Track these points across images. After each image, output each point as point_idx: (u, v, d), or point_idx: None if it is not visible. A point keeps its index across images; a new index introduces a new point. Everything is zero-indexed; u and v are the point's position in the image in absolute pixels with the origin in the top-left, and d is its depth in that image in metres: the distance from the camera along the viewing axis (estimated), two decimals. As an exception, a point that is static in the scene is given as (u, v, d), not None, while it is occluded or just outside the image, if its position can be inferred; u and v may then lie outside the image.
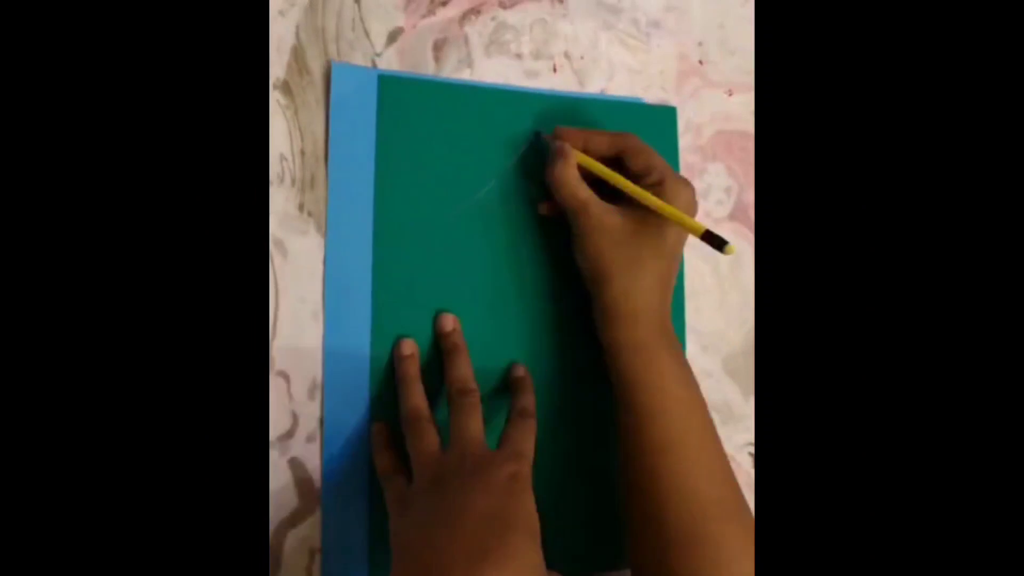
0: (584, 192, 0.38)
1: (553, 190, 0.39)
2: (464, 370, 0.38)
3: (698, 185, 0.47)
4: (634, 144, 0.39)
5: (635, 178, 0.38)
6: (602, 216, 0.37)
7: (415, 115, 0.41)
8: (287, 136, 0.39)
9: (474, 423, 0.35)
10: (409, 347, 0.39)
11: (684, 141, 0.47)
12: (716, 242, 0.34)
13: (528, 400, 0.39)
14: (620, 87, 0.46)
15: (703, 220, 0.47)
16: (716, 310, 0.47)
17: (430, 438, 0.35)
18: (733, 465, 0.46)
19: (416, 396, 0.37)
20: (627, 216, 0.37)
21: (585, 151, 0.39)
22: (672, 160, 0.46)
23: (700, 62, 0.48)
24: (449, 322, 0.40)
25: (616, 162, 0.39)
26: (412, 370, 0.38)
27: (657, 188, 0.37)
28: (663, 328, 0.38)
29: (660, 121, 0.46)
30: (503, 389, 0.41)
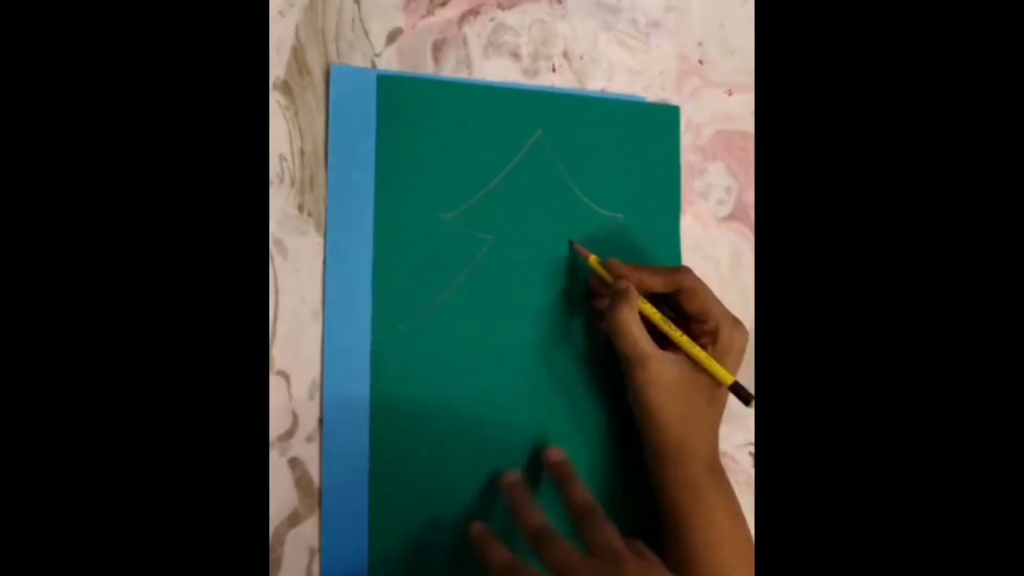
0: (645, 344, 0.38)
1: (613, 334, 0.38)
2: (582, 493, 0.37)
3: (698, 185, 0.47)
4: (690, 284, 0.39)
5: (689, 320, 0.39)
6: (660, 371, 0.38)
7: (415, 114, 0.41)
8: (287, 136, 0.39)
9: (609, 530, 0.34)
10: (515, 475, 0.39)
11: (684, 141, 0.47)
12: (742, 395, 0.38)
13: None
14: (620, 87, 0.46)
15: (705, 220, 0.47)
16: (716, 310, 0.47)
17: (566, 545, 0.34)
18: (733, 465, 0.46)
19: (536, 515, 0.36)
20: (683, 367, 0.38)
21: (639, 288, 0.39)
22: (674, 159, 0.46)
23: (700, 62, 0.48)
24: (555, 454, 0.40)
25: (669, 299, 0.40)
26: (521, 494, 0.38)
27: (712, 335, 0.39)
28: (712, 466, 0.39)
29: (662, 120, 0.46)
30: (515, 395, 0.41)
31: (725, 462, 0.46)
